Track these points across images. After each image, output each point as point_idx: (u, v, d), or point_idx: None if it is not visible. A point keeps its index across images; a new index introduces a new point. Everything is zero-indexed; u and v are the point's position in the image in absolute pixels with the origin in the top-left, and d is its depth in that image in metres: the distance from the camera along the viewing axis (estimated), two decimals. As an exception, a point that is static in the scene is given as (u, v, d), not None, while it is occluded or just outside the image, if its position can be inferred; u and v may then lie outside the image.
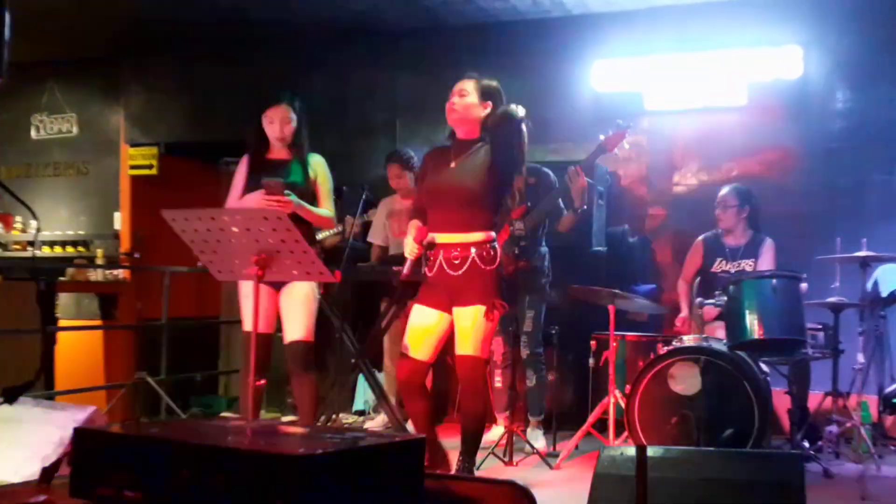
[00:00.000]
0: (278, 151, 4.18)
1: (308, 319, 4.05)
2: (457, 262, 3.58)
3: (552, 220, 5.02)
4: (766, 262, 5.10)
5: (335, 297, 5.04)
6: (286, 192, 3.84)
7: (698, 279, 5.34)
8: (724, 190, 5.30)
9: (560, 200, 4.90)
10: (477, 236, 3.60)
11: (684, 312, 5.31)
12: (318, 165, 4.17)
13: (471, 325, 3.58)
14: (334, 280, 3.61)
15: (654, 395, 4.29)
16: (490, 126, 3.66)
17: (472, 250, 3.58)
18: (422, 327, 3.66)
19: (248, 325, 3.98)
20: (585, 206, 4.85)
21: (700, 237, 5.38)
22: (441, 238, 3.62)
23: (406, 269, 3.68)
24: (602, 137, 4.70)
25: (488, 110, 3.68)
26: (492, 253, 3.62)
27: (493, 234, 3.67)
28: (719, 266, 5.21)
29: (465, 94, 3.67)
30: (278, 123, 4.14)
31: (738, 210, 5.19)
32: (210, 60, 7.54)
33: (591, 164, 4.83)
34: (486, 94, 3.68)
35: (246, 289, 3.94)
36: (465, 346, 3.60)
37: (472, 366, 3.62)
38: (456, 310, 3.62)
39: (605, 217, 5.85)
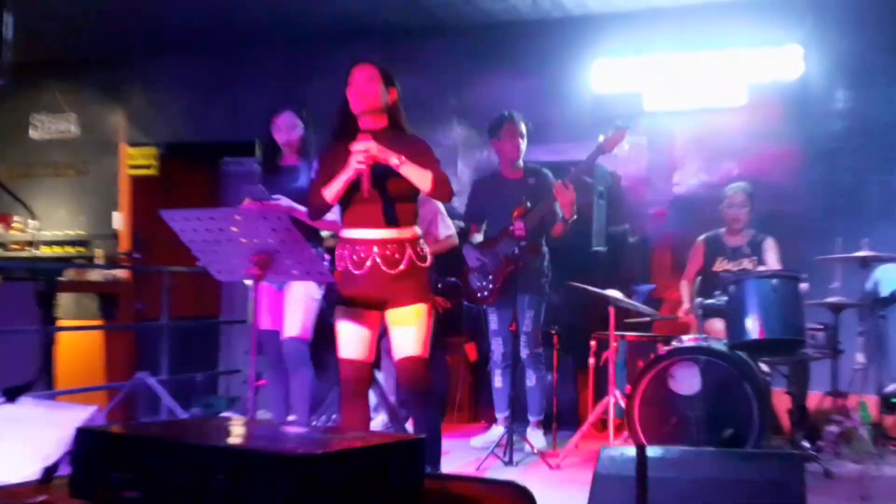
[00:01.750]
0: (289, 157, 4.41)
1: (303, 317, 4.22)
2: (395, 258, 3.34)
3: (549, 222, 5.00)
4: (772, 260, 5.11)
5: (334, 297, 5.05)
6: (274, 196, 4.04)
7: (699, 278, 5.35)
8: (734, 190, 5.28)
9: (557, 204, 4.89)
10: (409, 232, 3.41)
11: (686, 304, 5.31)
12: None
13: (415, 325, 3.38)
14: (333, 280, 3.61)
15: (654, 395, 4.29)
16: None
17: (408, 246, 3.37)
18: (357, 327, 3.44)
19: (266, 324, 4.30)
20: (575, 216, 4.84)
21: (701, 237, 5.38)
22: (373, 234, 3.37)
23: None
24: (601, 138, 4.70)
25: (395, 97, 3.47)
26: (424, 250, 3.44)
27: (419, 230, 3.48)
28: (721, 265, 5.22)
29: (372, 81, 3.40)
30: (284, 131, 4.36)
31: (749, 211, 5.20)
32: (210, 61, 7.55)
33: (590, 165, 4.83)
34: (389, 80, 3.46)
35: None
36: (410, 347, 3.39)
37: (420, 366, 3.41)
38: (393, 311, 3.40)
39: (605, 217, 5.85)
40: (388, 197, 3.35)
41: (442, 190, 3.38)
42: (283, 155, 4.43)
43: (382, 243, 3.34)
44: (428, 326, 3.43)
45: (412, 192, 3.40)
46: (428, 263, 3.45)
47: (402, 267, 3.34)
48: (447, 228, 5.18)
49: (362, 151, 3.24)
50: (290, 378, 4.28)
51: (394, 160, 3.28)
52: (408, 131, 3.52)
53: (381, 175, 3.33)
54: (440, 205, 5.10)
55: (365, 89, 3.39)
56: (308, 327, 4.23)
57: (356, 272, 3.37)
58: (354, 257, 3.37)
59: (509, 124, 5.06)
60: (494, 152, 5.30)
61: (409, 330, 3.39)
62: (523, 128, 5.08)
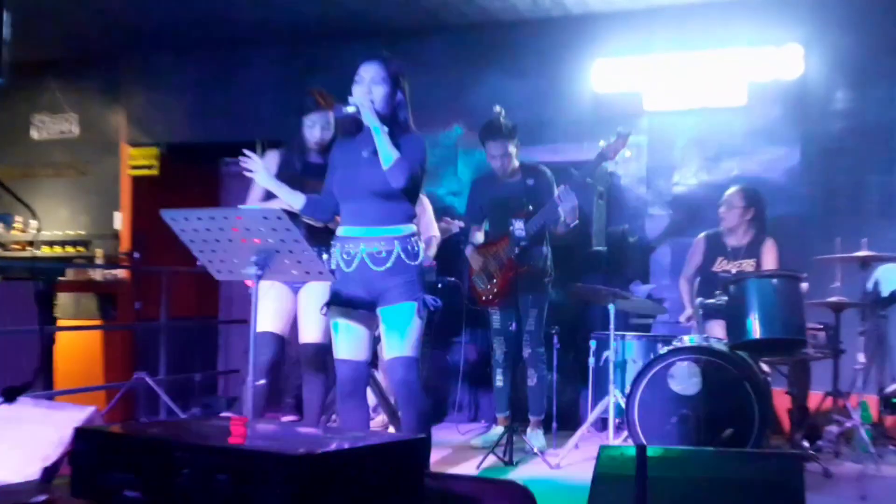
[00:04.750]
0: (315, 156, 4.13)
1: (324, 321, 3.98)
2: (381, 256, 3.33)
3: (550, 222, 4.98)
4: (769, 261, 5.09)
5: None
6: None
7: (698, 278, 5.34)
8: (732, 189, 5.29)
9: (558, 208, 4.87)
10: (400, 230, 3.37)
11: (688, 310, 5.30)
12: None
13: (402, 324, 3.33)
14: (334, 280, 3.60)
15: (654, 394, 4.29)
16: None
17: (396, 244, 3.34)
18: (350, 327, 3.43)
19: (263, 325, 4.01)
20: (577, 221, 4.83)
21: (702, 234, 5.37)
22: (361, 232, 3.38)
23: None
24: (602, 144, 4.68)
25: (401, 98, 3.44)
26: (416, 248, 3.39)
27: (414, 227, 3.43)
28: (720, 265, 5.20)
29: (377, 82, 3.37)
30: (318, 129, 4.09)
31: (743, 211, 5.17)
32: (210, 61, 7.55)
33: (591, 172, 4.82)
34: (396, 80, 3.42)
35: (263, 289, 3.90)
36: (397, 347, 3.34)
37: (408, 367, 3.34)
38: (382, 310, 3.38)
39: (605, 217, 5.85)
40: (376, 194, 3.34)
41: (396, 172, 3.30)
42: (309, 153, 4.16)
43: (369, 241, 3.35)
44: (417, 326, 3.35)
45: (402, 189, 3.33)
46: (419, 261, 3.39)
47: (388, 265, 3.33)
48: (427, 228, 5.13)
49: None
50: (305, 382, 4.10)
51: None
52: (410, 131, 3.48)
53: (370, 172, 3.34)
54: (427, 204, 5.11)
55: (372, 92, 3.36)
56: (327, 331, 3.97)
57: (346, 270, 3.40)
58: (344, 255, 3.40)
59: (489, 143, 5.04)
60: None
61: (395, 329, 3.35)
62: (510, 147, 5.02)
